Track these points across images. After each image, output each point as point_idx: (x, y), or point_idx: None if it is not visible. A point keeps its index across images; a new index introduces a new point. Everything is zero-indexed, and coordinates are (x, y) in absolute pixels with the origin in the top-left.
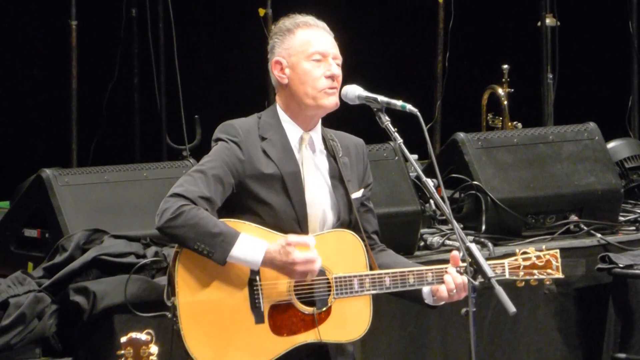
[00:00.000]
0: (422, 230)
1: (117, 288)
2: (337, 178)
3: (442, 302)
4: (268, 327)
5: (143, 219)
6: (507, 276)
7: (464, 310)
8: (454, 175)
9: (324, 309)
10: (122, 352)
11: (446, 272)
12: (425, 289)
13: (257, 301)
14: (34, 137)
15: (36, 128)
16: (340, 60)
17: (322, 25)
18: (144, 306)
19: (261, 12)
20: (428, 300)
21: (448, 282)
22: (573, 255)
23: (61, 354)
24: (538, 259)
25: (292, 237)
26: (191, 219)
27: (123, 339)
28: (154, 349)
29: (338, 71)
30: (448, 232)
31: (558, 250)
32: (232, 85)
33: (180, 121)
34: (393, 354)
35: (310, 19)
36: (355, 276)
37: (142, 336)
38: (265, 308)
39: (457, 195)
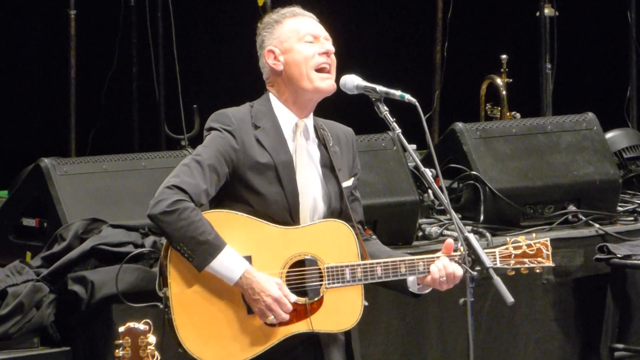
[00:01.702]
0: (421, 220)
1: (115, 277)
2: (328, 167)
3: (427, 291)
4: None
5: (141, 208)
6: (499, 264)
7: (462, 300)
8: (452, 165)
9: (316, 299)
10: (120, 341)
11: (437, 259)
12: (411, 277)
13: None
14: (33, 127)
15: (35, 117)
16: (331, 42)
17: (309, 14)
18: (141, 296)
19: (260, 1)
20: (412, 288)
21: (433, 271)
22: (571, 246)
23: (59, 343)
24: (529, 248)
25: (282, 283)
26: (183, 220)
27: (121, 329)
28: (152, 338)
29: (332, 47)
30: (446, 222)
31: (548, 239)
32: (231, 74)
33: (179, 111)
34: (391, 343)
35: (296, 8)
36: (347, 266)
37: (140, 326)
38: None
39: (455, 185)
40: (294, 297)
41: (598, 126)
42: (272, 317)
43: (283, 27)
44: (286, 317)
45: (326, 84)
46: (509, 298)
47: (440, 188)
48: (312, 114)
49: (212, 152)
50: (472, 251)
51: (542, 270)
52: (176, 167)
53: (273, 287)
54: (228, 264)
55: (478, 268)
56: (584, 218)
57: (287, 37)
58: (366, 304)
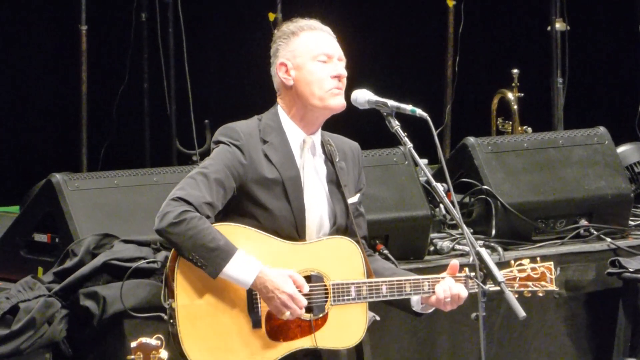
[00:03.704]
0: (432, 235)
1: (127, 293)
2: (335, 183)
3: (430, 311)
4: (265, 332)
5: (153, 223)
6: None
7: (474, 315)
8: (463, 179)
9: (321, 315)
10: (132, 356)
11: (443, 280)
12: (415, 297)
13: (255, 305)
14: (44, 142)
15: (46, 133)
16: (344, 62)
17: (327, 29)
18: (153, 311)
19: (271, 16)
20: (416, 307)
21: (438, 292)
22: (583, 260)
23: (71, 358)
24: (533, 271)
25: (295, 274)
26: (191, 229)
27: (133, 344)
28: (164, 353)
29: (344, 71)
30: (458, 236)
31: (552, 263)
32: (242, 89)
33: (190, 126)
34: (403, 358)
35: (314, 22)
36: (352, 283)
37: (152, 341)
38: (262, 312)
39: (467, 199)
40: (307, 288)
41: (609, 140)
42: (289, 313)
43: (299, 40)
44: (301, 312)
45: (337, 100)
46: (521, 312)
47: (452, 202)
48: (320, 130)
49: (220, 165)
50: (484, 266)
51: (545, 292)
52: (182, 179)
53: (286, 283)
54: (241, 267)
55: (490, 283)
56: (595, 232)
57: (301, 52)
58: (378, 318)
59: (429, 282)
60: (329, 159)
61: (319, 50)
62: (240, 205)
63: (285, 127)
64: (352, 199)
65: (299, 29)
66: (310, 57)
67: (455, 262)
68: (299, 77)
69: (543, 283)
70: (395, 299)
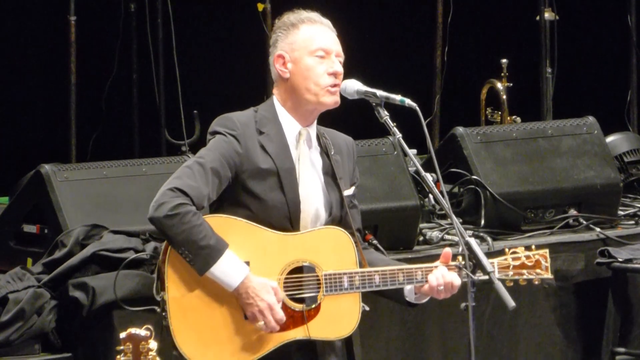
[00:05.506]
0: (422, 225)
1: (116, 284)
2: (330, 175)
3: (424, 300)
4: None
5: (142, 214)
6: (497, 275)
7: (463, 304)
8: (453, 169)
9: (314, 306)
10: (121, 347)
11: (436, 268)
12: (408, 286)
13: None
14: (33, 133)
15: (35, 124)
16: (342, 58)
17: (327, 22)
18: (142, 301)
19: (260, 7)
20: (409, 297)
21: (431, 280)
22: (572, 250)
23: (60, 349)
24: (527, 259)
25: (278, 288)
26: (185, 224)
27: (122, 335)
28: (153, 344)
29: (341, 69)
30: (447, 226)
31: (547, 250)
32: (231, 80)
33: (179, 116)
34: (392, 349)
35: (315, 15)
36: (345, 273)
37: (142, 332)
38: None
39: (456, 189)
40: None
41: (599, 130)
42: (263, 323)
43: (298, 33)
44: (276, 326)
45: (331, 99)
46: (510, 302)
47: (441, 192)
48: (315, 123)
49: (216, 155)
50: (473, 256)
51: (541, 280)
52: (179, 168)
53: (268, 293)
54: (228, 270)
55: (479, 273)
56: (584, 222)
57: (299, 46)
58: (367, 308)
59: (422, 271)
60: (324, 152)
61: (317, 45)
62: (235, 195)
63: (281, 119)
64: (348, 192)
65: (299, 21)
66: (308, 52)
67: (448, 250)
68: (295, 70)
69: (538, 271)
70: (389, 290)
